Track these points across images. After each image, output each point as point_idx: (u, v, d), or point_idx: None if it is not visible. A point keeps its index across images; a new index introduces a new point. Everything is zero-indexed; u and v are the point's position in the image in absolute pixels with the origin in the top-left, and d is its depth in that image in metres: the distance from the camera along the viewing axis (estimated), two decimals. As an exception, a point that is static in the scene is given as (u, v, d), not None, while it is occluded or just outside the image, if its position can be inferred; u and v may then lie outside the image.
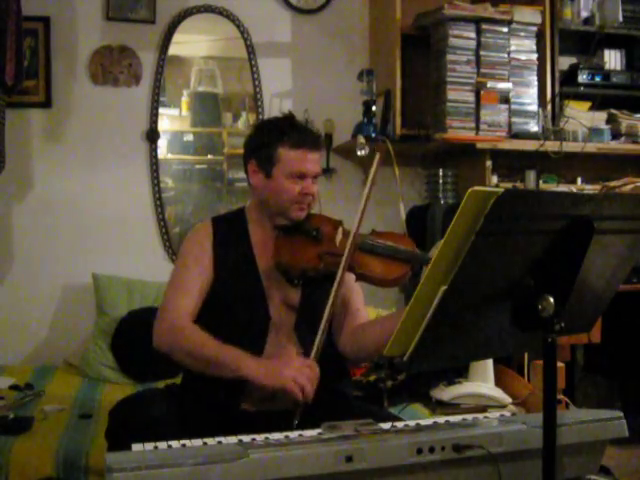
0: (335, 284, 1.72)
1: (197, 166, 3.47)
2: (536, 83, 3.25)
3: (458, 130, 3.12)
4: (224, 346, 1.69)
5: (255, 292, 1.83)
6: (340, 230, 1.86)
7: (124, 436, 1.55)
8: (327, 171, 3.40)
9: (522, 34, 3.22)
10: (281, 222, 1.86)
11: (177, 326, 1.74)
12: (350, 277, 1.82)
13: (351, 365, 2.22)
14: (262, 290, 1.84)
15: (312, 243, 1.82)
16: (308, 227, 1.85)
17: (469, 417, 1.47)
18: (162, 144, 3.37)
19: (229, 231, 1.89)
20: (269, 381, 1.63)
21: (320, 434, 1.27)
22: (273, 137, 1.83)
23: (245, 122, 3.47)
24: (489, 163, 3.12)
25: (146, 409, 1.68)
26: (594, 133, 3.27)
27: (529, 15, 3.21)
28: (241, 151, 1.95)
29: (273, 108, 3.40)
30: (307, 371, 1.63)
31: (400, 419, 1.69)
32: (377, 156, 1.77)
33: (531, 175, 3.23)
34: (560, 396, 2.54)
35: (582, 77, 3.35)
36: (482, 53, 3.15)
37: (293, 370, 1.62)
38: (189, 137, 3.48)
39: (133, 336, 2.92)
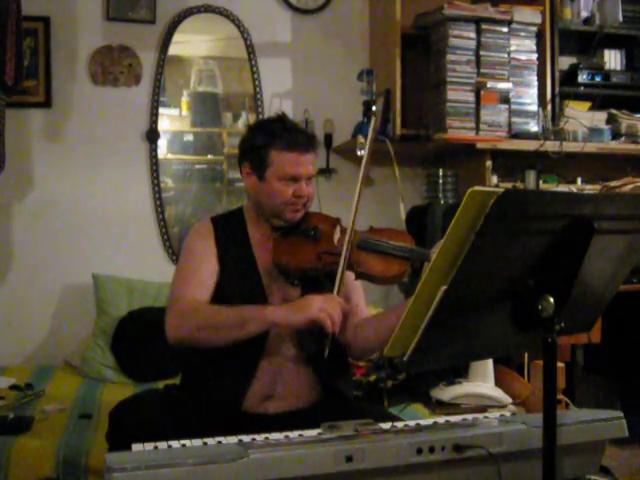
0: (336, 287, 1.73)
1: (197, 166, 3.46)
2: (536, 83, 3.25)
3: (458, 130, 3.12)
4: (238, 306, 1.69)
5: (256, 291, 1.84)
6: (338, 228, 1.87)
7: (124, 438, 1.55)
8: (327, 171, 3.40)
9: (522, 34, 3.22)
10: (277, 223, 1.87)
11: (185, 308, 1.73)
12: (350, 275, 1.83)
13: (355, 359, 2.23)
14: (262, 289, 1.84)
15: (310, 243, 1.83)
16: (306, 227, 1.86)
17: (469, 417, 1.47)
18: (162, 144, 3.37)
19: (229, 231, 1.90)
20: (298, 316, 1.63)
21: (320, 434, 1.27)
22: (265, 140, 1.82)
23: (245, 122, 3.46)
24: (489, 163, 3.11)
25: (146, 410, 1.68)
26: (594, 133, 3.27)
27: (529, 15, 3.21)
28: (241, 151, 1.95)
29: (273, 108, 3.39)
30: (332, 300, 1.66)
31: (400, 419, 1.69)
32: (373, 121, 1.85)
33: (531, 175, 3.23)
34: (560, 396, 2.54)
35: (582, 77, 3.35)
36: (482, 53, 3.15)
37: (319, 301, 1.64)
38: (189, 137, 3.48)
39: (133, 336, 2.92)
